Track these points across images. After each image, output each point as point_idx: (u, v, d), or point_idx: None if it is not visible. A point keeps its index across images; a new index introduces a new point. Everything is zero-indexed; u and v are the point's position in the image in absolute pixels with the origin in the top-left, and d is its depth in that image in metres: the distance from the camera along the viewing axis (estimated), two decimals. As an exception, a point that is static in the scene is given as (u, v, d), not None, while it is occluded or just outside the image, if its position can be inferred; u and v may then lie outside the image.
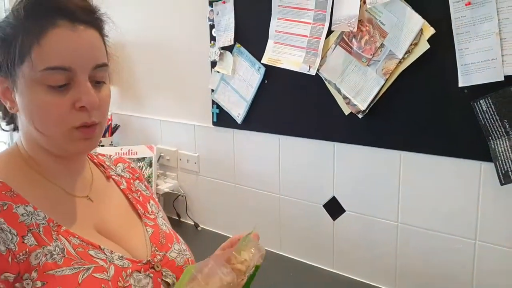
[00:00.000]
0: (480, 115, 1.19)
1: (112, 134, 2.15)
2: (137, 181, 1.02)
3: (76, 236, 0.76)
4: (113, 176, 0.97)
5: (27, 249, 0.69)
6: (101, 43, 0.79)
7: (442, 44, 1.21)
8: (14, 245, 0.68)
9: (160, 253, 0.86)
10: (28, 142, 0.80)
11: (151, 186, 1.88)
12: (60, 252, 0.72)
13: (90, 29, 0.76)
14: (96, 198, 0.87)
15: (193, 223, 1.95)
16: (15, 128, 0.84)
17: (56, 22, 0.72)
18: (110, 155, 1.05)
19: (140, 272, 0.79)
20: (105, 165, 0.98)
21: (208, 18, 1.72)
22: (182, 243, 0.94)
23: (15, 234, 0.69)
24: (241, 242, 0.85)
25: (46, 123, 0.74)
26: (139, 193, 0.99)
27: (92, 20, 0.77)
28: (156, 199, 1.05)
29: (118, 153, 1.88)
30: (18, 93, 0.75)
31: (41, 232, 0.72)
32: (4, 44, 0.74)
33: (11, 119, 0.84)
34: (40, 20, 0.72)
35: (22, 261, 0.68)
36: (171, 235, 0.93)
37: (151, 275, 0.80)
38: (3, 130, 0.87)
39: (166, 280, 0.82)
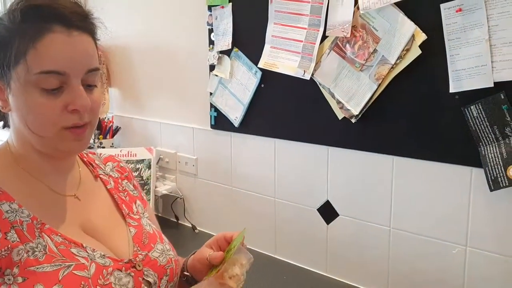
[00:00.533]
0: (470, 121, 1.19)
1: (113, 136, 2.18)
2: (126, 180, 1.03)
3: (59, 234, 0.77)
4: (101, 176, 0.98)
5: (9, 245, 0.70)
6: (94, 48, 0.81)
7: (434, 50, 1.22)
8: None
9: (142, 253, 0.87)
10: (18, 140, 0.82)
11: (150, 188, 1.90)
12: (42, 249, 0.73)
13: (84, 35, 0.78)
14: (83, 197, 0.88)
15: (191, 225, 1.96)
16: (5, 126, 0.86)
17: (52, 27, 0.74)
18: (101, 154, 1.06)
19: (121, 271, 0.80)
20: (94, 164, 0.99)
21: (207, 22, 1.74)
22: (166, 243, 0.95)
23: None
24: (230, 254, 0.86)
25: (38, 124, 0.76)
26: (126, 193, 1.00)
27: (86, 25, 0.79)
28: (145, 198, 1.06)
29: (118, 154, 1.90)
30: (11, 94, 0.77)
31: (24, 229, 0.73)
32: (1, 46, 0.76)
33: (1, 117, 0.86)
34: (36, 24, 0.74)
35: (4, 256, 0.69)
36: (155, 235, 0.94)
37: (132, 274, 0.81)
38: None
39: (148, 279, 0.83)
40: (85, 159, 0.98)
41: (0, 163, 0.81)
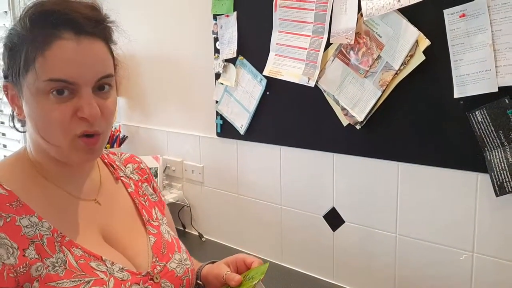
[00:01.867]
0: (475, 126, 1.19)
1: (120, 145, 2.19)
2: (145, 183, 1.02)
3: (79, 247, 0.77)
4: (122, 178, 0.97)
5: (27, 262, 0.70)
6: (107, 54, 0.79)
7: (438, 56, 1.22)
8: (14, 258, 0.69)
9: (160, 264, 0.87)
10: (34, 147, 0.82)
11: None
12: (62, 264, 0.73)
13: (96, 41, 0.76)
14: (103, 201, 0.88)
15: (198, 234, 1.97)
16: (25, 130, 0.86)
17: (61, 34, 0.72)
18: (121, 154, 1.05)
19: (139, 285, 0.80)
20: (114, 165, 0.98)
21: (212, 31, 1.76)
22: (183, 252, 0.95)
23: (16, 248, 0.70)
24: (248, 283, 0.87)
25: (49, 130, 0.75)
26: (146, 198, 0.99)
27: (99, 31, 0.77)
28: (163, 199, 1.05)
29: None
30: (24, 101, 0.77)
31: (44, 244, 0.73)
32: (11, 53, 0.76)
33: (20, 121, 0.86)
34: (45, 31, 0.73)
35: (22, 273, 0.69)
36: (173, 244, 0.94)
37: (150, 287, 0.81)
38: (18, 131, 0.88)
39: None
40: (106, 160, 0.97)
41: (19, 171, 0.81)
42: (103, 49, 0.78)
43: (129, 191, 0.96)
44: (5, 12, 2.92)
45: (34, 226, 0.74)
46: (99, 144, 0.79)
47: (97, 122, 0.76)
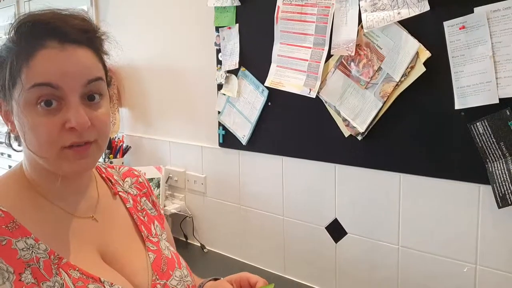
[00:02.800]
0: (477, 137, 1.18)
1: (123, 155, 2.20)
2: (144, 198, 0.99)
3: (77, 269, 0.75)
4: (120, 193, 0.94)
5: (24, 287, 0.69)
6: (94, 61, 0.77)
7: (438, 67, 1.22)
8: (10, 283, 0.67)
9: (161, 282, 0.85)
10: (29, 163, 0.80)
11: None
12: None
13: (81, 48, 0.74)
14: (101, 218, 0.86)
15: (200, 245, 1.96)
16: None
17: (45, 43, 0.71)
18: (120, 167, 1.02)
19: None
20: (113, 180, 0.95)
21: (215, 43, 1.77)
22: (184, 268, 0.93)
23: (12, 272, 0.68)
24: None
25: (37, 144, 0.73)
26: (144, 213, 0.96)
27: (85, 39, 0.75)
28: (163, 213, 1.03)
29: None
30: (14, 116, 0.75)
31: (41, 267, 0.71)
32: (0, 68, 0.74)
33: (17, 137, 0.83)
34: (30, 42, 0.71)
35: None
36: (173, 260, 0.92)
37: None
38: (15, 150, 0.85)
39: None
40: (104, 175, 0.95)
41: (14, 189, 0.79)
42: (89, 56, 0.76)
43: (127, 206, 0.93)
44: (11, 23, 2.94)
45: (31, 248, 0.72)
46: (90, 151, 0.75)
47: (87, 133, 0.73)
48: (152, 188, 1.05)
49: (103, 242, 0.83)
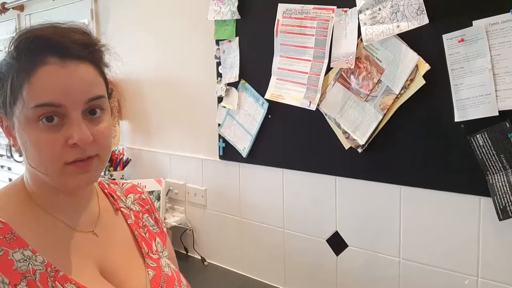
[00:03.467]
0: (477, 150, 1.19)
1: (123, 167, 2.20)
2: (146, 214, 0.99)
3: (73, 282, 0.74)
4: (122, 209, 0.94)
5: None
6: (96, 77, 0.77)
7: (438, 80, 1.23)
8: None
9: None
10: (31, 176, 0.80)
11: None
12: None
13: (83, 64, 0.74)
14: (101, 233, 0.85)
15: (200, 258, 1.95)
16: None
17: (45, 60, 0.71)
18: (123, 183, 1.02)
19: None
20: (115, 196, 0.95)
21: (215, 56, 1.78)
22: (184, 286, 0.92)
23: (7, 283, 0.68)
24: None
25: (39, 160, 0.73)
26: (146, 229, 0.96)
27: (86, 54, 0.75)
28: (165, 231, 1.02)
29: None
30: (16, 131, 0.75)
31: (37, 279, 0.71)
32: (1, 84, 0.74)
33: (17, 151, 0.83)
34: (30, 59, 0.71)
35: None
36: (173, 278, 0.91)
37: None
38: (16, 161, 0.85)
39: None
40: (107, 190, 0.95)
41: (15, 201, 0.78)
42: (90, 71, 0.75)
43: (128, 222, 0.93)
44: (12, 37, 2.96)
45: (27, 260, 0.71)
46: (93, 165, 0.75)
47: (90, 148, 0.73)
48: (155, 205, 1.05)
49: (102, 257, 0.82)
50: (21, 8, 2.84)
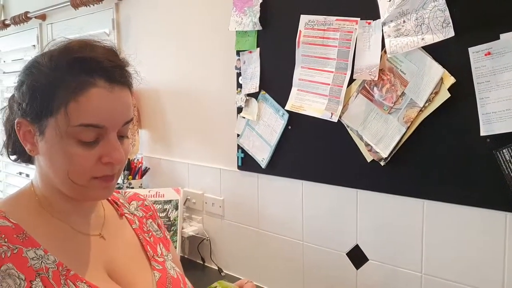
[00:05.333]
0: (503, 164, 1.17)
1: (142, 176, 2.21)
2: (150, 220, 1.03)
3: (84, 281, 0.76)
4: (126, 214, 0.98)
5: None
6: (131, 99, 0.82)
7: (463, 93, 1.21)
8: None
9: None
10: (43, 183, 0.82)
11: (177, 229, 1.90)
12: None
13: (124, 89, 0.79)
14: (108, 236, 0.88)
15: (217, 268, 1.95)
16: (24, 161, 0.87)
17: (95, 82, 0.75)
18: (125, 192, 1.06)
19: None
20: (118, 203, 0.99)
21: (235, 66, 1.78)
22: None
23: (23, 279, 0.70)
24: None
25: (67, 171, 0.76)
26: (150, 234, 0.99)
27: (125, 79, 0.80)
28: (168, 237, 1.05)
29: (147, 195, 1.92)
30: (43, 140, 0.77)
31: (50, 277, 0.73)
32: (37, 93, 0.76)
33: (19, 155, 0.87)
34: (80, 78, 0.74)
35: None
36: (178, 280, 0.93)
37: None
38: (10, 159, 0.90)
39: None
40: (110, 198, 0.98)
41: (25, 206, 0.81)
42: (128, 95, 0.81)
43: (133, 227, 0.96)
44: (34, 45, 3.01)
45: (40, 258, 0.74)
46: (114, 181, 0.82)
47: (118, 166, 0.80)
48: (157, 212, 1.09)
49: (109, 259, 0.85)
50: (43, 17, 2.88)
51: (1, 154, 0.90)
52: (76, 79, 0.74)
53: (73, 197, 0.81)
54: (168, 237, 1.06)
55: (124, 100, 0.79)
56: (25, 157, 0.87)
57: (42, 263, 0.74)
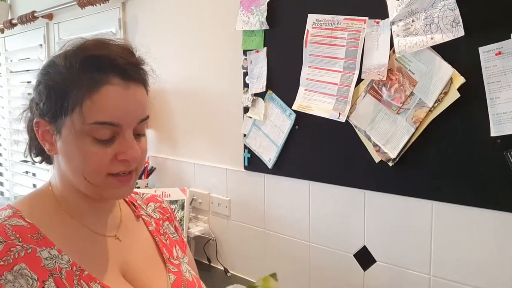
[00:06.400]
0: (514, 165, 1.15)
1: (148, 176, 2.20)
2: (167, 222, 1.02)
3: (98, 282, 0.76)
4: (143, 216, 0.97)
5: None
6: (146, 97, 0.82)
7: (473, 93, 1.20)
8: None
9: None
10: (62, 183, 0.83)
11: (183, 229, 1.90)
12: None
13: (139, 87, 0.79)
14: (124, 238, 0.88)
15: (223, 268, 1.94)
16: (43, 161, 0.88)
17: (109, 79, 0.75)
18: (143, 194, 1.06)
19: None
20: (136, 204, 0.99)
21: (242, 66, 1.77)
22: None
23: (36, 279, 0.71)
24: None
25: (83, 169, 0.77)
26: (166, 236, 0.99)
27: (141, 77, 0.80)
28: (185, 240, 1.04)
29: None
30: (61, 139, 0.78)
31: (63, 277, 0.73)
32: (54, 93, 0.76)
33: (43, 156, 0.88)
34: (94, 76, 0.74)
35: None
36: (194, 283, 0.93)
37: None
38: (33, 161, 0.90)
39: None
40: (127, 199, 0.98)
41: (42, 206, 0.82)
42: (143, 93, 0.81)
43: (149, 229, 0.96)
44: (40, 45, 3.02)
45: (54, 258, 0.74)
46: (132, 180, 0.81)
47: (133, 163, 0.79)
48: (175, 215, 1.09)
49: (124, 261, 0.85)
50: (49, 17, 2.89)
51: (26, 156, 0.90)
52: (90, 77, 0.74)
53: (91, 195, 0.81)
54: (185, 240, 1.05)
55: (139, 97, 0.78)
56: (47, 158, 0.87)
57: (56, 263, 0.74)
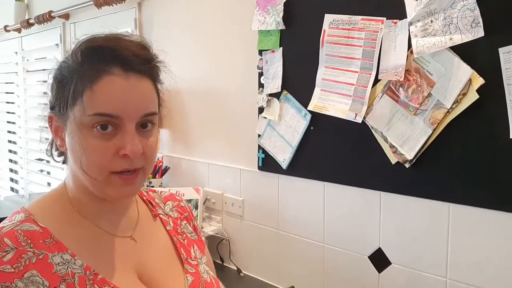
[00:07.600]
0: (534, 168, 1.13)
1: (162, 175, 2.21)
2: (185, 221, 1.00)
3: (112, 286, 0.75)
4: (160, 215, 0.95)
5: None
6: (153, 92, 0.79)
7: (492, 95, 1.18)
8: None
9: None
10: (74, 182, 0.81)
11: (196, 229, 1.90)
12: None
13: (143, 78, 0.76)
14: (140, 238, 0.86)
15: (236, 268, 1.94)
16: (65, 161, 0.86)
17: (110, 70, 0.73)
18: (161, 192, 1.04)
19: None
20: (153, 203, 0.97)
21: (257, 66, 1.77)
22: None
23: (47, 286, 0.69)
24: None
25: (87, 165, 0.75)
26: (184, 235, 0.97)
27: (146, 69, 0.77)
28: (203, 239, 1.03)
29: (166, 194, 1.92)
30: (67, 133, 0.77)
31: (76, 282, 0.72)
32: (60, 86, 0.77)
33: (62, 153, 0.86)
34: (95, 66, 0.73)
35: None
36: (212, 284, 0.91)
37: None
38: (55, 161, 0.89)
39: None
40: (145, 198, 0.96)
41: (56, 208, 0.81)
42: (149, 87, 0.78)
43: (167, 228, 0.94)
44: (57, 44, 3.05)
45: (66, 263, 0.73)
46: (138, 179, 0.78)
47: (137, 160, 0.75)
48: (193, 214, 1.06)
49: (140, 262, 0.83)
50: (66, 16, 2.92)
51: (48, 156, 0.88)
52: (92, 67, 0.74)
53: (98, 194, 0.78)
54: (203, 238, 1.03)
55: (141, 90, 0.76)
56: (66, 157, 0.85)
57: (69, 268, 0.73)
